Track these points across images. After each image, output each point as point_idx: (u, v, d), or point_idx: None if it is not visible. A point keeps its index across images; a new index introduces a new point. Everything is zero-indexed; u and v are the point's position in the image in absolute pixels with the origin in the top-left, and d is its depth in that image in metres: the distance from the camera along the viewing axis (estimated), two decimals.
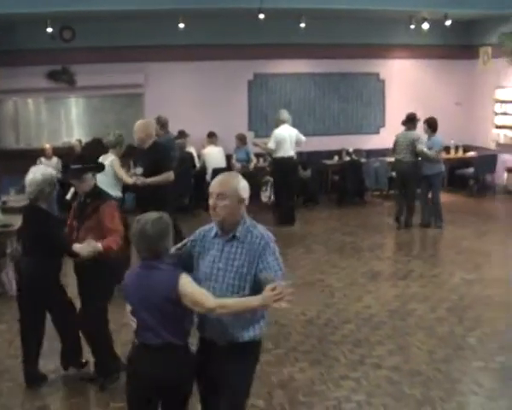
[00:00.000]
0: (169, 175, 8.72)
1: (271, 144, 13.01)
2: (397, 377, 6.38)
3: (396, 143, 12.77)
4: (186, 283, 4.06)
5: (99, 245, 5.75)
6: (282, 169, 13.20)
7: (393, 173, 14.73)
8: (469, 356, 6.90)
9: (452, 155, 16.51)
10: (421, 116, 12.83)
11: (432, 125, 12.57)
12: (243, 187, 4.22)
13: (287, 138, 12.99)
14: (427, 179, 12.62)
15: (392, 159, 14.71)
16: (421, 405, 5.79)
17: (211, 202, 4.17)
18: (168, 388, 4.18)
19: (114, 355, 6.28)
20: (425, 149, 12.31)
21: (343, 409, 5.79)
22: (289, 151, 13.04)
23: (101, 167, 6.51)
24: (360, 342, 7.29)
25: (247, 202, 4.25)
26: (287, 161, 13.07)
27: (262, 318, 4.27)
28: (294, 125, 13.35)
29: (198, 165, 14.29)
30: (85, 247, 5.75)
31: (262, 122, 13.85)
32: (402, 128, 12.81)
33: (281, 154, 13.03)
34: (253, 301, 3.96)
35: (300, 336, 7.46)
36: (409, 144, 12.44)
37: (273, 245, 4.21)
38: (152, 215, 4.24)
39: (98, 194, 6.08)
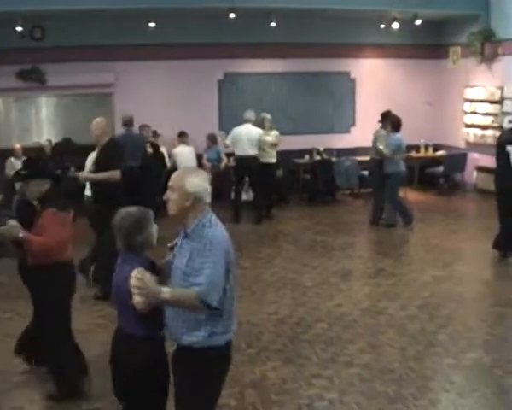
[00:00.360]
0: (114, 173, 8.63)
1: (228, 141, 13.47)
2: (369, 375, 6.39)
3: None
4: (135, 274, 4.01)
5: (22, 233, 5.57)
6: (242, 166, 13.41)
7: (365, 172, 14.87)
8: (441, 353, 6.94)
9: (422, 153, 16.62)
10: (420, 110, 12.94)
11: (394, 124, 12.61)
12: (191, 182, 4.05)
13: (243, 137, 13.12)
14: (387, 178, 12.69)
15: (363, 157, 14.83)
16: (393, 402, 5.81)
17: (167, 195, 4.13)
18: (119, 377, 4.20)
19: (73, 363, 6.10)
20: (381, 147, 12.40)
21: (315, 408, 5.79)
22: (248, 150, 13.13)
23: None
24: (332, 340, 7.30)
25: (197, 199, 4.07)
26: (245, 159, 13.17)
27: (207, 325, 4.04)
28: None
29: (169, 164, 14.23)
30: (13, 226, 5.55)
31: (233, 122, 13.80)
32: (372, 127, 12.88)
33: (239, 152, 13.27)
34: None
35: (272, 336, 7.45)
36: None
37: (219, 251, 3.98)
38: (130, 209, 4.26)
39: (44, 200, 5.87)
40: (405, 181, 13.47)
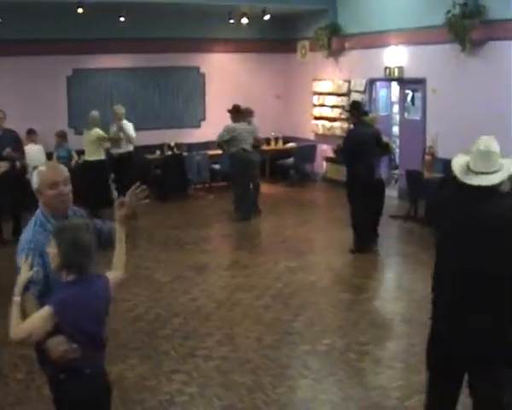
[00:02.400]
0: None
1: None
2: (227, 366, 6.42)
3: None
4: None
5: None
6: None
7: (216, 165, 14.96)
8: (297, 341, 7.07)
9: (272, 146, 16.91)
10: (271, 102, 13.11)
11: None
12: None
13: None
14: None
15: (214, 151, 14.91)
16: (252, 392, 5.85)
17: (59, 190, 3.91)
18: None
19: None
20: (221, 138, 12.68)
21: (176, 403, 5.75)
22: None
23: None
24: (189, 334, 7.27)
25: None
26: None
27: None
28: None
29: (18, 163, 13.64)
30: None
31: (83, 118, 13.43)
32: (223, 121, 12.96)
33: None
34: None
35: (129, 333, 7.33)
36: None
37: (52, 242, 3.68)
38: (77, 221, 3.86)
39: None
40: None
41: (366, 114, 11.07)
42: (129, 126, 13.39)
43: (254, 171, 13.08)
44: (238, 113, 12.91)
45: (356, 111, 10.84)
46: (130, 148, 13.60)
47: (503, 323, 3.97)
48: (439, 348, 4.27)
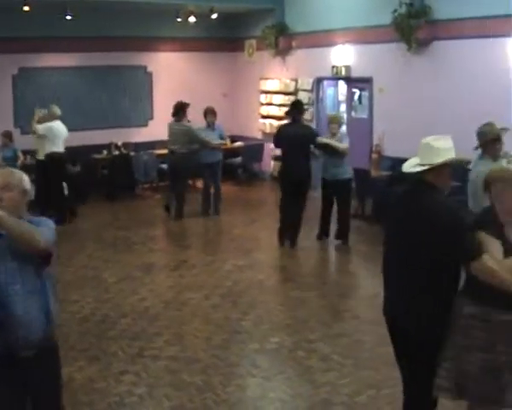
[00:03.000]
0: None
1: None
2: (176, 366, 6.38)
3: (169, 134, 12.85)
4: None
5: None
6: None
7: (164, 165, 14.86)
8: (245, 339, 7.08)
9: (228, 145, 16.84)
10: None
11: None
12: (26, 179, 4.00)
13: (61, 134, 12.60)
14: (209, 168, 12.82)
15: (161, 151, 14.80)
16: (202, 392, 5.83)
17: None
18: None
19: None
20: (206, 138, 12.59)
21: (125, 404, 5.69)
22: (61, 147, 12.67)
23: None
24: (138, 335, 7.20)
25: (29, 196, 4.04)
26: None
27: None
28: (63, 120, 12.86)
29: None
30: None
31: (29, 118, 13.17)
32: (170, 120, 12.90)
33: (56, 149, 12.63)
34: None
35: (77, 335, 7.22)
36: (183, 134, 12.60)
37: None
38: None
39: None
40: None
41: (299, 113, 11.06)
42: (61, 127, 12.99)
43: (179, 174, 13.01)
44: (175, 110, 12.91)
45: (291, 110, 11.05)
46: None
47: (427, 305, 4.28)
48: (388, 326, 4.62)
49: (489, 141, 6.98)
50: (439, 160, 4.27)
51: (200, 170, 13.15)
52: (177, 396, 5.75)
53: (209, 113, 12.95)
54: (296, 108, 11.04)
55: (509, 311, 4.00)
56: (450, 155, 4.32)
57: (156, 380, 6.09)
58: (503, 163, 6.95)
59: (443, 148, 4.34)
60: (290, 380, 6.12)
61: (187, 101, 13.07)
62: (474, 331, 4.09)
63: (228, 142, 14.77)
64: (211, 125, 12.94)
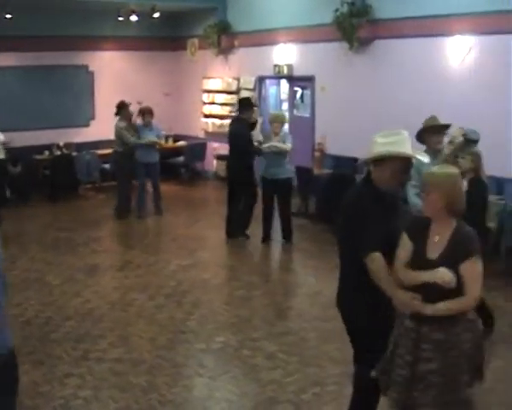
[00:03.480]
0: None
1: None
2: (121, 368, 6.35)
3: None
4: None
5: None
6: None
7: (106, 165, 14.79)
8: (191, 339, 7.09)
9: (163, 145, 16.75)
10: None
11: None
12: None
13: None
14: (145, 167, 12.75)
15: (103, 151, 14.72)
16: (148, 393, 5.82)
17: None
18: None
19: None
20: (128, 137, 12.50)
21: (70, 407, 5.64)
22: None
23: None
24: (82, 337, 7.14)
25: None
26: None
27: None
28: (1, 121, 12.67)
29: None
30: None
31: None
32: (113, 120, 12.80)
33: None
34: None
35: (20, 338, 7.10)
36: (116, 133, 12.56)
37: None
38: None
39: None
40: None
41: (244, 109, 11.10)
42: None
43: (118, 173, 13.03)
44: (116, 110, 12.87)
45: (237, 107, 11.35)
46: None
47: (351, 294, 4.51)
48: None
49: (423, 131, 7.14)
50: (371, 155, 4.33)
51: (136, 169, 13.00)
52: (123, 398, 5.73)
53: (146, 112, 12.85)
54: (240, 106, 11.14)
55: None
56: (385, 150, 4.32)
57: (101, 382, 6.06)
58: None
59: (381, 142, 4.35)
60: (236, 379, 6.15)
61: (129, 100, 13.00)
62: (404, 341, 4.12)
63: (163, 141, 14.56)
64: (148, 125, 12.82)
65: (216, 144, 16.48)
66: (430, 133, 7.15)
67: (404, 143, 4.36)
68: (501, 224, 9.12)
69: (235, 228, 11.05)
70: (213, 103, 16.76)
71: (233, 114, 15.70)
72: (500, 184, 10.62)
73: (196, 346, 6.93)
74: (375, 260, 4.18)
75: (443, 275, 3.86)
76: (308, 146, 13.75)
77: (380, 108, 12.07)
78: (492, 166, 9.92)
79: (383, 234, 4.18)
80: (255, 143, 10.86)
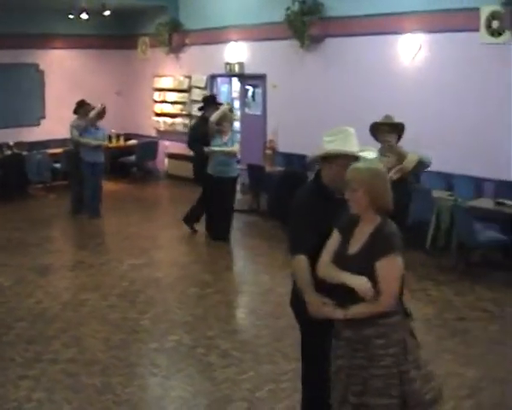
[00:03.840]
0: None
1: None
2: (75, 369, 6.32)
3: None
4: None
5: None
6: None
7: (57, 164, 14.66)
8: (144, 339, 7.09)
9: (114, 143, 16.68)
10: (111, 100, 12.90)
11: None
12: None
13: None
14: (91, 167, 12.62)
15: (54, 150, 14.60)
16: (101, 393, 5.82)
17: None
18: None
19: None
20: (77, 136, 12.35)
21: None
22: None
23: None
24: (35, 338, 7.08)
25: None
26: None
27: None
28: None
29: None
30: None
31: None
32: (65, 118, 12.68)
33: None
34: None
35: None
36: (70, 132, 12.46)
37: None
38: None
39: None
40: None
41: (209, 107, 11.15)
42: None
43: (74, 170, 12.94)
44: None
45: (202, 105, 11.35)
46: None
47: None
48: None
49: (375, 129, 7.27)
50: (317, 153, 4.37)
51: (83, 168, 12.81)
52: (77, 399, 5.72)
53: (103, 114, 12.75)
54: (205, 104, 11.24)
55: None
56: (330, 148, 4.34)
57: (55, 384, 6.02)
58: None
59: (327, 140, 4.37)
60: (190, 378, 6.18)
61: (80, 99, 12.87)
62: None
63: (106, 143, 14.33)
64: (94, 125, 12.65)
65: (167, 143, 16.47)
66: (380, 131, 7.28)
67: (350, 141, 4.38)
68: (451, 219, 9.29)
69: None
70: (165, 102, 16.73)
71: (184, 112, 15.85)
72: (449, 180, 10.84)
73: (150, 345, 6.93)
74: (299, 262, 4.22)
75: (362, 284, 3.77)
76: (259, 144, 13.82)
77: (331, 106, 12.20)
78: (442, 163, 10.18)
79: (323, 235, 4.14)
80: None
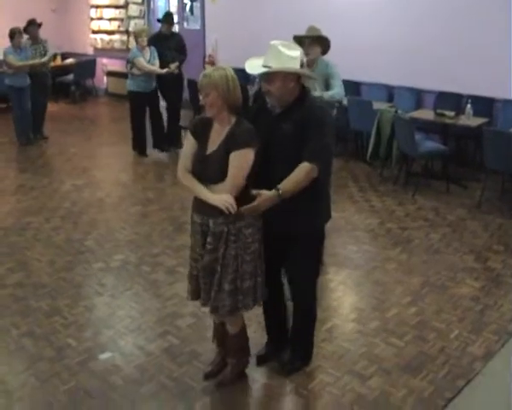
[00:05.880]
0: None
1: None
2: (22, 293, 6.29)
3: None
4: None
5: None
6: None
7: None
8: (90, 259, 7.08)
9: (51, 63, 16.23)
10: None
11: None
12: None
13: None
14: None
15: None
16: (49, 316, 5.81)
17: None
18: None
19: None
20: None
21: None
22: None
23: None
24: None
25: None
26: None
27: None
28: None
29: None
30: None
31: None
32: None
33: None
34: None
35: None
36: None
37: None
38: None
39: None
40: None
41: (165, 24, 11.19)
42: None
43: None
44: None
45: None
46: None
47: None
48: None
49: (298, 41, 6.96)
50: (278, 65, 4.25)
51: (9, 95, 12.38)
52: (25, 323, 5.70)
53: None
54: (162, 21, 11.24)
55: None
56: (291, 64, 4.28)
57: (2, 309, 5.98)
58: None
59: (286, 55, 4.27)
60: (137, 296, 6.22)
61: (13, 19, 12.34)
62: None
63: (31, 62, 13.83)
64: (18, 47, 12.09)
65: (106, 60, 16.13)
66: (302, 44, 6.96)
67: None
68: (392, 131, 9.38)
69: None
70: (101, 19, 16.31)
71: (121, 29, 15.52)
72: (390, 91, 10.92)
73: (95, 265, 6.92)
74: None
75: (222, 201, 4.05)
76: (199, 59, 13.65)
77: (270, 18, 12.06)
78: (383, 75, 10.22)
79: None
80: None
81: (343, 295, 6.25)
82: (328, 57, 7.03)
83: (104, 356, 5.18)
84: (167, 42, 11.05)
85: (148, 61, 10.70)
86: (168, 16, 11.33)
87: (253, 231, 4.28)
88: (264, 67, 4.30)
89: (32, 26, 12.14)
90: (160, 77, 10.92)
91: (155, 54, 10.78)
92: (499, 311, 5.83)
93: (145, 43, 10.67)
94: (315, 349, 5.03)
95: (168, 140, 11.43)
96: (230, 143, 4.10)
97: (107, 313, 5.94)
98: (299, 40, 6.78)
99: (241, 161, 4.08)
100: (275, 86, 4.28)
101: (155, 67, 10.79)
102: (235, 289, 4.32)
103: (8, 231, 7.99)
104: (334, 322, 5.66)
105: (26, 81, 12.00)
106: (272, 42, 4.35)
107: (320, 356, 5.09)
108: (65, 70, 16.18)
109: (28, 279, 6.61)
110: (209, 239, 4.27)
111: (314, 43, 6.93)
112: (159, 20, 11.43)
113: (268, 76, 4.30)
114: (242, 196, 4.08)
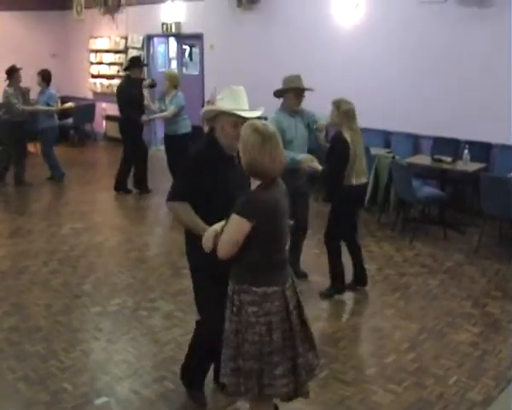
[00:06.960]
0: None
1: None
2: (17, 337, 6.26)
3: None
4: None
5: None
6: None
7: None
8: (87, 303, 7.05)
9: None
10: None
11: (46, 77, 12.26)
12: None
13: None
14: (40, 133, 12.39)
15: None
16: (45, 360, 5.77)
17: None
18: None
19: None
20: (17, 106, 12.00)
21: None
22: None
23: None
24: None
25: None
26: None
27: None
28: None
29: None
30: None
31: None
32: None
33: None
34: None
35: None
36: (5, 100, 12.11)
37: None
38: None
39: None
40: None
41: (133, 68, 11.22)
42: None
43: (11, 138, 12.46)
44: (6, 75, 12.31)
45: (126, 65, 11.56)
46: None
47: None
48: None
49: (285, 90, 7.02)
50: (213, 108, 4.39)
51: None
52: (21, 367, 5.66)
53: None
54: (129, 65, 11.32)
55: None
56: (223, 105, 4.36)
57: None
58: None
59: (217, 98, 4.44)
60: (134, 341, 6.18)
61: (15, 63, 12.49)
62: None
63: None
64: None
65: (105, 105, 16.26)
66: (291, 94, 6.98)
67: (238, 98, 4.48)
68: (390, 176, 9.43)
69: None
70: (101, 63, 16.48)
71: (121, 73, 15.61)
72: (387, 137, 10.98)
73: (92, 310, 6.89)
74: (178, 206, 4.46)
75: (205, 236, 4.01)
76: (198, 104, 13.73)
77: (268, 65, 12.18)
78: (380, 120, 10.28)
79: (215, 191, 4.30)
80: (145, 103, 11.02)
81: (341, 341, 6.22)
82: (325, 104, 7.07)
83: (100, 401, 5.13)
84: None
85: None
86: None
87: (258, 312, 3.84)
88: (254, 111, 4.45)
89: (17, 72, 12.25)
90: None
91: (176, 102, 10.80)
92: (498, 357, 5.80)
93: (165, 87, 10.92)
94: (313, 395, 4.99)
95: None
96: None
97: (103, 357, 5.90)
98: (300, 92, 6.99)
99: (229, 227, 3.82)
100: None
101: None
102: (238, 369, 3.93)
103: (4, 274, 7.97)
104: (332, 368, 5.63)
105: None
106: (235, 87, 4.57)
107: (318, 402, 5.05)
108: (65, 114, 16.24)
109: (24, 323, 6.57)
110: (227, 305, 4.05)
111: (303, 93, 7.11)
112: (126, 69, 11.55)
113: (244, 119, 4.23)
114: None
